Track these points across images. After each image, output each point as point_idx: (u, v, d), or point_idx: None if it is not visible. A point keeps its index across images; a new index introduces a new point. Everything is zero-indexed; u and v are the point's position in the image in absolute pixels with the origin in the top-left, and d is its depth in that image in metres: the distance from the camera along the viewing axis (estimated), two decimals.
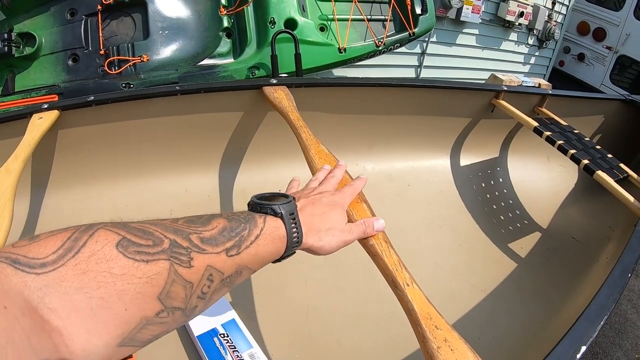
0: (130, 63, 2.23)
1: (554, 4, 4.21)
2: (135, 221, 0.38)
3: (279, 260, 0.51)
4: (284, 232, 0.48)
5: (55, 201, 1.24)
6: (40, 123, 1.10)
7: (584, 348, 0.68)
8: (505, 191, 1.79)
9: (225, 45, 2.20)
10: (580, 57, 4.70)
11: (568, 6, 4.44)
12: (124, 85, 2.12)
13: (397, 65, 3.43)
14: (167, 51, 2.24)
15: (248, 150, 1.39)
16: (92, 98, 1.16)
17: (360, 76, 2.98)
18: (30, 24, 2.43)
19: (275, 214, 0.49)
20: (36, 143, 1.05)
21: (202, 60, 2.17)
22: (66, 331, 0.29)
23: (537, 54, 4.57)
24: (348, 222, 0.61)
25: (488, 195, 1.73)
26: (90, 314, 0.30)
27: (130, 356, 0.83)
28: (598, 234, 1.65)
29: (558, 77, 4.81)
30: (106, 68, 2.25)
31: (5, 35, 2.28)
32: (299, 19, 2.14)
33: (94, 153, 1.24)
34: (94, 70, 2.30)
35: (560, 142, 1.49)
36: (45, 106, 1.13)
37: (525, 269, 1.47)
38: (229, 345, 0.84)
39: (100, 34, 2.30)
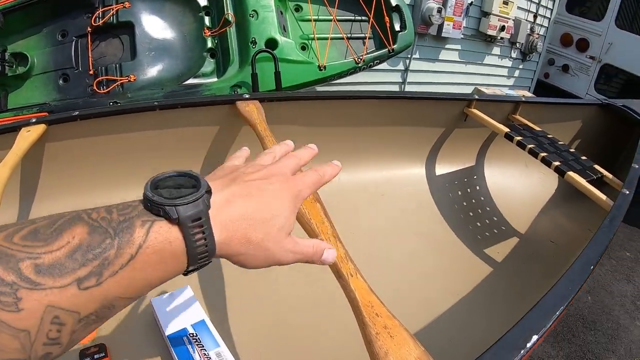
0: (118, 83, 2.26)
1: (535, 17, 4.26)
2: None
3: (187, 273, 0.36)
4: (182, 246, 0.32)
5: (43, 210, 1.26)
6: (27, 135, 1.14)
7: (535, 337, 0.67)
8: (482, 199, 1.79)
9: (209, 65, 2.24)
10: (565, 69, 4.73)
11: (550, 19, 4.49)
12: (111, 103, 2.15)
13: (380, 83, 3.45)
14: (153, 71, 2.28)
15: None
16: (77, 113, 1.20)
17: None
18: (23, 44, 2.47)
19: (169, 218, 0.32)
20: (23, 153, 1.08)
21: (186, 80, 2.21)
22: None
23: (521, 66, 4.60)
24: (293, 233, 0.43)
25: (465, 203, 1.72)
26: None
27: (106, 355, 0.88)
28: (577, 237, 1.64)
29: (543, 89, 4.83)
30: (95, 87, 2.29)
31: None
32: (280, 38, 2.18)
33: (79, 165, 1.28)
34: (83, 90, 2.33)
35: (531, 145, 1.50)
36: (34, 120, 1.18)
37: (500, 273, 1.46)
38: (197, 345, 0.85)
39: (90, 55, 2.34)
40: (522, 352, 0.65)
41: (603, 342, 2.06)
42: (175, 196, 0.33)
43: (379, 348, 0.51)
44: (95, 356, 0.89)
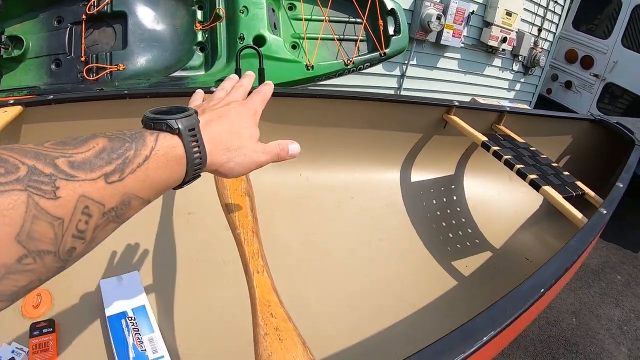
0: (107, 71, 2.24)
1: (540, 30, 4.13)
2: None
3: (180, 186, 0.42)
4: (182, 151, 0.39)
5: None
6: (3, 116, 1.16)
7: None
8: (458, 209, 1.69)
9: (197, 58, 2.20)
10: (568, 85, 4.59)
11: (555, 33, 4.36)
12: (97, 90, 2.11)
13: (375, 87, 3.35)
14: (143, 61, 2.24)
15: None
16: (51, 97, 1.22)
17: None
18: (20, 28, 2.46)
19: (171, 129, 0.39)
20: None
21: (174, 72, 2.17)
22: None
23: (522, 80, 4.46)
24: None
25: (439, 213, 1.63)
26: None
27: (54, 330, 0.92)
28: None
29: (544, 105, 4.70)
30: (85, 74, 2.26)
31: None
32: (268, 35, 2.13)
33: None
34: (74, 76, 2.32)
35: (508, 157, 1.40)
36: (11, 102, 1.22)
37: (464, 287, 1.36)
38: (133, 328, 0.89)
39: (83, 42, 2.32)
40: None
41: None
42: (172, 116, 0.40)
43: (263, 350, 0.48)
44: (44, 330, 0.93)
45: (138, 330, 0.88)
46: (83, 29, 2.33)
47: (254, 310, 0.54)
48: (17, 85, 2.41)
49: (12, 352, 0.92)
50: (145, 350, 0.86)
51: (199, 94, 0.58)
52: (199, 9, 2.25)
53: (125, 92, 1.24)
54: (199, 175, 0.43)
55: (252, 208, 0.72)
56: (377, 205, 1.51)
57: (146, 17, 2.30)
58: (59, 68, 2.37)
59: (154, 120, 0.39)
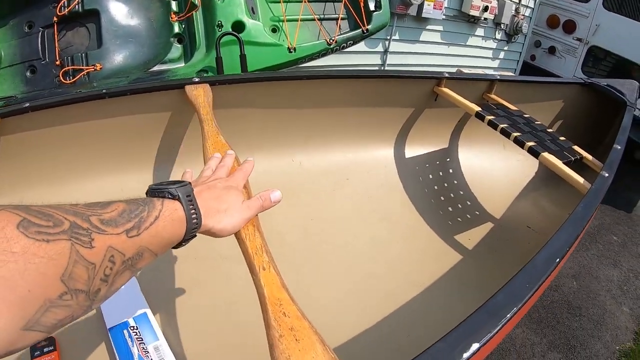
0: (84, 72, 2.12)
1: None
2: (36, 205, 0.36)
3: (179, 245, 0.50)
4: (183, 213, 0.48)
5: None
6: None
7: (475, 345, 0.54)
8: (455, 182, 1.64)
9: (176, 51, 2.10)
10: (551, 50, 4.52)
11: (535, 0, 4.29)
12: (75, 93, 2.03)
13: (358, 65, 3.24)
14: (120, 59, 2.14)
15: (180, 149, 1.32)
16: (27, 104, 1.15)
17: None
18: None
19: (172, 196, 0.48)
20: None
21: (153, 67, 2.07)
22: None
23: (506, 48, 4.38)
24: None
25: (436, 187, 1.58)
26: None
27: (55, 349, 0.88)
28: (556, 222, 1.50)
29: (530, 72, 4.63)
30: (61, 78, 2.15)
31: None
32: (247, 20, 2.02)
33: (33, 158, 1.23)
34: (51, 81, 2.20)
35: (503, 125, 1.35)
36: None
37: (469, 261, 1.32)
38: (137, 338, 0.85)
39: (57, 45, 2.20)
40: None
41: (588, 329, 1.93)
42: (172, 186, 0.49)
43: (280, 353, 0.45)
44: (45, 349, 0.89)
45: (142, 340, 0.84)
46: (55, 32, 2.21)
47: (265, 310, 0.50)
48: None
49: None
50: (151, 359, 0.82)
51: (188, 173, 0.66)
52: None
53: (104, 91, 1.17)
54: (195, 235, 0.51)
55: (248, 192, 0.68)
56: (373, 184, 1.46)
57: (119, 12, 2.18)
58: (34, 75, 2.25)
59: (157, 190, 0.49)
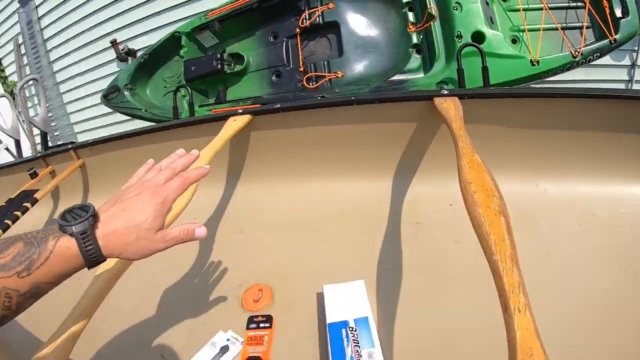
0: (326, 79, 2.37)
1: None
2: None
3: (90, 268, 0.52)
4: (77, 250, 0.49)
5: (244, 190, 1.42)
6: (234, 124, 1.24)
7: None
8: None
9: (415, 61, 2.19)
10: None
11: None
12: (319, 98, 2.23)
13: (599, 81, 2.92)
14: (360, 67, 2.32)
15: (423, 161, 1.29)
16: (278, 105, 1.26)
17: None
18: (238, 46, 2.77)
19: (67, 234, 0.49)
20: (228, 139, 1.17)
21: (392, 76, 2.20)
22: None
23: None
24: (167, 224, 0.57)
25: None
26: None
27: (271, 327, 0.95)
28: None
29: None
30: (304, 83, 2.44)
31: (219, 56, 2.64)
32: (487, 31, 2.01)
33: (278, 153, 1.35)
34: (294, 85, 2.52)
35: None
36: (240, 111, 1.28)
37: None
38: (353, 339, 0.84)
39: (300, 53, 2.51)
40: None
41: None
42: (72, 219, 0.50)
43: None
44: (261, 324, 0.96)
45: (358, 343, 0.83)
46: (299, 42, 2.51)
47: (513, 357, 0.47)
48: (241, 96, 2.70)
49: (227, 340, 0.95)
50: None
51: (145, 167, 0.61)
52: (409, 10, 2.23)
53: (352, 98, 1.21)
54: (104, 259, 0.52)
55: (509, 230, 0.63)
56: (621, 224, 1.24)
57: (358, 24, 2.36)
58: (280, 79, 2.58)
59: (59, 225, 0.50)
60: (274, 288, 1.08)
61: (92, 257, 0.51)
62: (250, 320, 0.98)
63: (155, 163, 0.62)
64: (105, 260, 0.53)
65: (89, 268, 0.52)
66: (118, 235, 0.52)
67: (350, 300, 0.90)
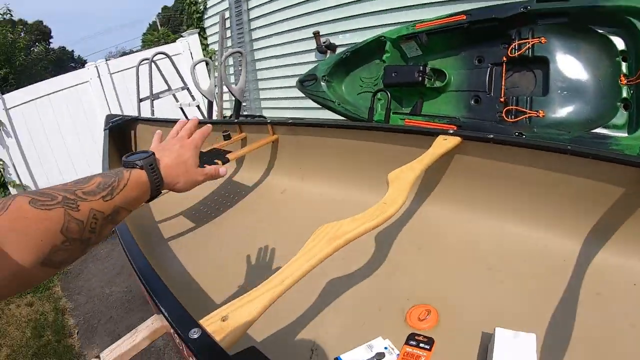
0: (527, 115, 2.35)
1: None
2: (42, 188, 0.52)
3: (150, 199, 0.67)
4: (146, 179, 0.64)
5: (431, 208, 1.45)
6: (444, 143, 1.27)
7: None
8: None
9: (621, 116, 2.09)
10: None
11: None
12: (516, 134, 2.23)
13: None
14: (563, 111, 2.27)
15: (618, 231, 1.14)
16: (491, 136, 1.25)
17: None
18: (441, 63, 2.88)
19: (139, 167, 0.64)
20: (438, 156, 1.22)
21: (595, 128, 2.11)
22: (10, 254, 0.43)
23: None
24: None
25: None
26: (19, 243, 0.45)
27: (430, 349, 0.93)
28: None
29: None
30: (503, 115, 2.47)
31: (421, 68, 2.79)
32: None
33: (478, 182, 1.34)
34: (492, 114, 2.55)
35: None
36: (451, 132, 1.32)
37: None
38: None
39: (503, 83, 2.52)
40: None
41: None
42: (139, 159, 0.65)
43: None
44: (421, 344, 0.96)
45: None
46: (504, 71, 2.53)
47: None
48: (436, 112, 2.86)
49: (385, 348, 0.96)
50: None
51: (158, 134, 0.81)
52: (623, 60, 2.12)
53: (569, 147, 1.14)
54: (161, 192, 0.68)
55: None
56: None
57: (568, 65, 2.28)
58: (478, 104, 2.67)
59: (128, 163, 0.64)
60: (442, 313, 1.05)
61: (157, 184, 0.66)
62: (412, 337, 0.98)
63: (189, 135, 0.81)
64: (161, 192, 0.69)
65: (150, 200, 0.67)
66: (173, 168, 0.70)
67: (518, 351, 0.86)
